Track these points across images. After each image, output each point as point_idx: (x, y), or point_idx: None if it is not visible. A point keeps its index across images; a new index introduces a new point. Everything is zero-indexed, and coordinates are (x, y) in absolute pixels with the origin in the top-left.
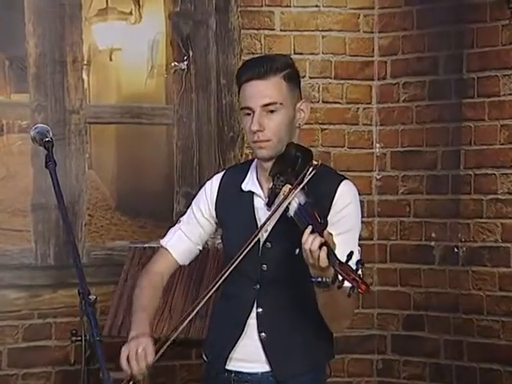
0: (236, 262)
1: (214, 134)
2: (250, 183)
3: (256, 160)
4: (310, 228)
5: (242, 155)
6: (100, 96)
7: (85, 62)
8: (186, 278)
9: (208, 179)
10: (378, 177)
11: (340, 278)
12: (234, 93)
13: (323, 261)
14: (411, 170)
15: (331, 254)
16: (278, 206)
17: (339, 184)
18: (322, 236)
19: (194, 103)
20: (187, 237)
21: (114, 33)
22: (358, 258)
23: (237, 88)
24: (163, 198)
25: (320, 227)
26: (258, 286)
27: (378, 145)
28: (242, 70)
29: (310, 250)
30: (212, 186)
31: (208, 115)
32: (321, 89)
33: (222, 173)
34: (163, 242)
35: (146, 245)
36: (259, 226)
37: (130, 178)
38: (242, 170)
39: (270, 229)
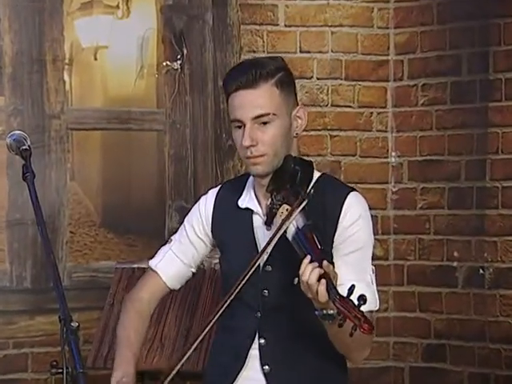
0: (237, 290)
1: (210, 141)
2: (247, 200)
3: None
4: (308, 258)
5: (241, 165)
6: (83, 99)
7: (66, 61)
8: (178, 303)
9: (203, 194)
10: (394, 189)
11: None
12: None
13: (322, 295)
14: (431, 181)
15: (331, 287)
16: (278, 229)
17: (346, 197)
18: (321, 266)
19: (189, 107)
20: (179, 258)
21: (99, 29)
22: (373, 278)
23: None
24: (154, 213)
25: (319, 256)
26: (259, 314)
27: (393, 153)
28: (227, 78)
29: (308, 284)
30: (207, 202)
31: (204, 120)
32: (330, 91)
33: (218, 188)
34: (152, 263)
35: (135, 265)
36: (259, 246)
37: (117, 191)
38: (238, 184)
39: (270, 250)
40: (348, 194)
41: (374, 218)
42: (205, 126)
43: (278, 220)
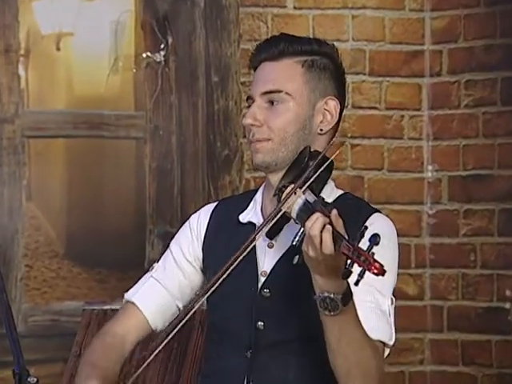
0: (217, 284)
1: (202, 151)
2: (251, 214)
3: (263, 187)
4: (315, 214)
5: (240, 181)
6: (43, 99)
7: (22, 52)
8: (161, 354)
9: (194, 212)
10: (431, 212)
11: (349, 261)
12: (230, 95)
13: (327, 245)
14: (477, 202)
15: (338, 236)
16: (282, 203)
17: (369, 216)
18: (329, 216)
19: (175, 109)
20: (162, 285)
21: (62, 12)
22: (391, 310)
23: (236, 87)
24: (131, 241)
25: (327, 211)
26: (251, 353)
27: (430, 167)
28: (256, 49)
29: (311, 235)
30: (200, 221)
31: (194, 126)
32: (350, 89)
33: (214, 204)
34: (128, 294)
35: (107, 306)
36: (260, 269)
37: (86, 214)
38: (243, 199)
39: (269, 270)
40: (372, 213)
41: (404, 246)
42: (195, 133)
43: (283, 207)
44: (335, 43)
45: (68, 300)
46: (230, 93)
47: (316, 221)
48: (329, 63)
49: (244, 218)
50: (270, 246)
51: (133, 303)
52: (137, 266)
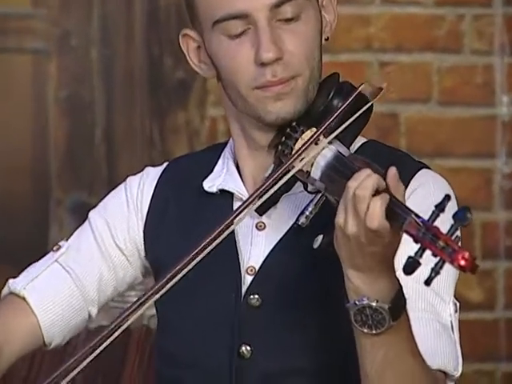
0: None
1: (140, 72)
2: (221, 177)
3: (231, 141)
4: (364, 170)
5: (203, 121)
6: None
7: None
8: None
9: (131, 175)
10: (508, 170)
11: (416, 248)
12: None
13: (376, 214)
14: None
15: (398, 207)
16: (286, 167)
17: (414, 175)
18: (384, 177)
19: (96, 4)
20: (72, 279)
21: None
22: (455, 322)
23: None
24: (28, 215)
25: (380, 170)
26: None
27: (505, 98)
28: None
29: (356, 199)
30: (142, 188)
31: (128, 31)
32: None
33: (163, 166)
34: (15, 282)
35: None
36: (243, 261)
37: None
38: (204, 158)
39: (259, 264)
40: (418, 170)
41: (475, 223)
42: (128, 43)
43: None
44: None
45: None
46: None
47: (367, 179)
48: None
49: (211, 184)
50: (260, 228)
51: (21, 297)
52: (35, 253)
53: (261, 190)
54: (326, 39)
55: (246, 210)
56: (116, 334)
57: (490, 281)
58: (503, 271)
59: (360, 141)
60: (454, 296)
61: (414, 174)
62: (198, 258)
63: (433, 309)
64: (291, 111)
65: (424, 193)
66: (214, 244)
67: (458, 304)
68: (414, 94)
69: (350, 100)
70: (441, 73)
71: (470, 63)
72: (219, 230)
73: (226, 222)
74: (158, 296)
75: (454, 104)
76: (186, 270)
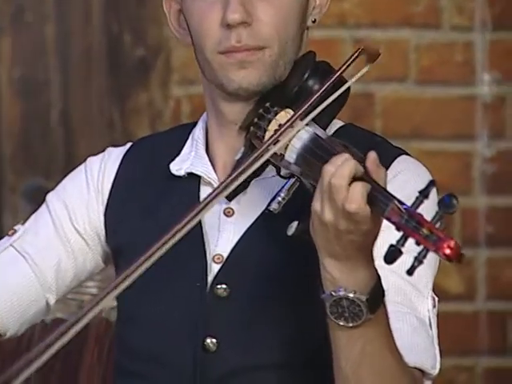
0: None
1: (98, 48)
2: (189, 160)
3: (205, 118)
4: (342, 154)
5: (166, 101)
6: None
7: None
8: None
9: (92, 155)
10: (489, 153)
11: (398, 236)
12: None
13: (358, 201)
14: None
15: (379, 192)
16: (261, 151)
17: (392, 161)
18: (363, 162)
19: None
20: (28, 264)
21: None
22: (433, 318)
23: None
24: None
25: (358, 153)
26: None
27: (486, 76)
28: None
29: (332, 184)
30: (103, 169)
31: (85, 6)
32: None
33: (125, 147)
34: None
35: None
36: (208, 249)
37: None
38: (171, 139)
39: (228, 252)
40: (396, 157)
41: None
42: (85, 17)
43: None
44: None
45: None
46: None
47: (344, 165)
48: None
49: (179, 167)
50: (229, 214)
51: None
52: None
53: (233, 175)
54: (314, 21)
55: (217, 198)
56: (77, 327)
57: (470, 270)
58: (484, 260)
59: (336, 124)
60: (433, 290)
61: (393, 161)
62: (164, 249)
63: (410, 303)
64: (254, 82)
65: (405, 178)
66: (181, 234)
67: (436, 299)
68: (389, 72)
69: (329, 82)
70: (418, 50)
71: (449, 40)
72: (188, 219)
73: (195, 211)
74: (122, 287)
75: (432, 83)
76: (151, 260)
